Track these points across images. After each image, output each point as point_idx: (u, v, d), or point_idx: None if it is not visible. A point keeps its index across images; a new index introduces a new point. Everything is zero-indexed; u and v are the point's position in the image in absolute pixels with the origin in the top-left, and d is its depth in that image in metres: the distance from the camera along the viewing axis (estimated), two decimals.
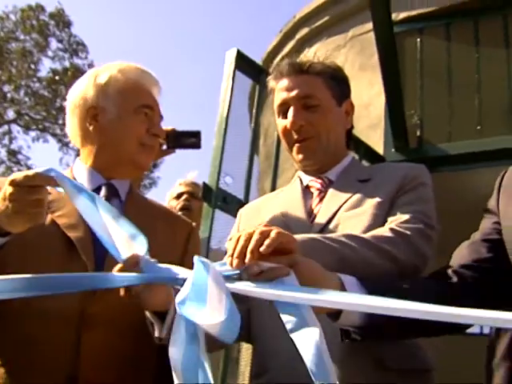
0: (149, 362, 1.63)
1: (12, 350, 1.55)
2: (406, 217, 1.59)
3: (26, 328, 1.55)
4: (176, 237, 1.78)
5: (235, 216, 2.86)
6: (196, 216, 2.97)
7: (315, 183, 1.81)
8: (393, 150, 4.20)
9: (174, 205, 3.20)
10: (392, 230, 1.54)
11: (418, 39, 4.44)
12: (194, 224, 1.92)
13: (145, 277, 1.30)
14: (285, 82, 1.79)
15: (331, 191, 1.75)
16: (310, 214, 1.74)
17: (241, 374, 3.92)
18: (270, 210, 1.81)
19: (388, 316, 1.04)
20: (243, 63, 3.10)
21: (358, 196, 1.69)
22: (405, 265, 1.50)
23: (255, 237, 1.20)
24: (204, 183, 2.81)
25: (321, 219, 1.69)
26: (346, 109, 1.83)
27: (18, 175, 1.34)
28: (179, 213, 2.98)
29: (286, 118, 1.79)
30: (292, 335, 1.13)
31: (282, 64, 1.83)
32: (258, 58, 5.14)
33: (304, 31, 5.40)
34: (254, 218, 1.84)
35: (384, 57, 3.46)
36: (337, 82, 1.81)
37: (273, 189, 3.11)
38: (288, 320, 1.14)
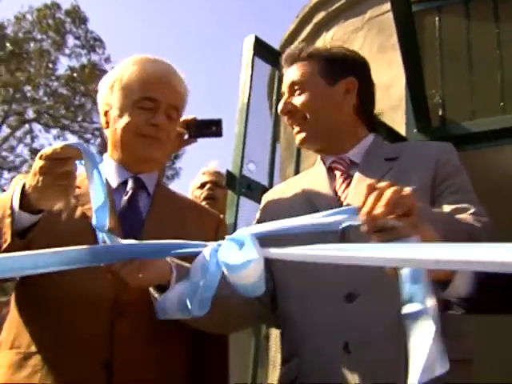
0: (182, 347, 1.65)
1: (47, 338, 1.58)
2: (470, 209, 1.59)
3: (60, 315, 1.58)
4: (205, 228, 1.80)
5: (260, 202, 2.88)
6: (221, 204, 2.97)
7: (337, 165, 1.80)
8: (415, 130, 4.15)
9: (197, 194, 3.19)
10: (474, 219, 1.55)
11: (437, 18, 4.38)
12: (221, 216, 1.96)
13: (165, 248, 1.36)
14: (285, 71, 1.88)
15: (358, 174, 1.74)
16: (336, 196, 1.73)
17: (271, 361, 3.93)
18: (295, 193, 1.81)
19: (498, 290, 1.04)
20: (261, 49, 3.08)
21: (388, 178, 1.65)
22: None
23: (389, 193, 1.21)
24: (227, 171, 2.81)
25: (350, 203, 1.66)
26: (346, 87, 1.82)
27: (46, 149, 1.38)
28: (203, 202, 2.99)
29: None
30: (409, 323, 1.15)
31: (282, 58, 1.91)
32: (275, 44, 5.11)
33: (321, 15, 5.36)
34: (279, 201, 1.84)
35: (403, 37, 3.42)
36: (332, 63, 1.82)
37: (296, 174, 3.10)
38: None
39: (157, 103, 1.77)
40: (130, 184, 1.77)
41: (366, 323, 1.53)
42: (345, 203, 1.68)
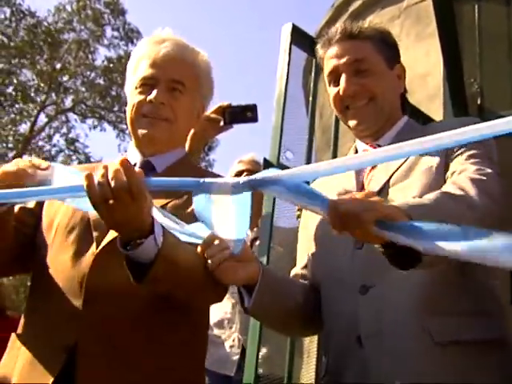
0: (148, 334, 1.60)
1: (27, 322, 1.67)
2: (473, 166, 1.56)
3: (40, 301, 1.65)
4: None
5: None
6: (257, 193, 2.97)
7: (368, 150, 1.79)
8: None
9: None
10: (469, 178, 1.51)
11: (476, 5, 4.31)
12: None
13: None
14: (334, 49, 1.79)
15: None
16: (362, 183, 1.73)
17: (305, 351, 3.94)
18: (325, 181, 1.80)
19: None
20: (299, 37, 3.07)
21: (407, 163, 1.65)
22: (484, 212, 1.45)
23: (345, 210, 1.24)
24: (265, 159, 2.81)
25: (372, 189, 1.67)
26: (398, 73, 1.82)
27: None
28: None
29: (337, 85, 1.78)
30: None
31: (331, 31, 1.83)
32: (311, 32, 5.09)
33: (357, 4, 5.33)
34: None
35: (442, 24, 3.37)
36: (387, 45, 1.81)
37: None
38: None
39: (155, 80, 1.74)
40: (136, 166, 1.72)
41: (377, 315, 1.54)
42: (366, 190, 1.67)
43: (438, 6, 3.24)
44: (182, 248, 1.47)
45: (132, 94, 1.79)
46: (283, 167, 2.83)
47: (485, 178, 1.50)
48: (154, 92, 1.73)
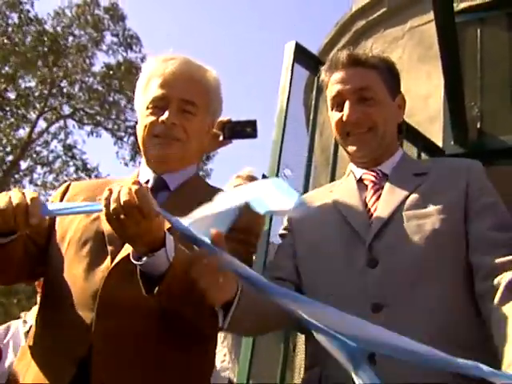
0: (158, 350, 1.60)
1: (38, 334, 1.67)
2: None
3: (52, 313, 1.65)
4: None
5: None
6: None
7: (369, 176, 1.80)
8: (452, 142, 4.12)
9: None
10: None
11: (479, 29, 4.34)
12: None
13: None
14: (339, 74, 1.79)
15: (388, 186, 1.74)
16: (366, 208, 1.74)
17: (297, 366, 3.93)
18: (326, 203, 1.80)
19: None
20: (301, 55, 3.08)
21: (417, 194, 1.67)
22: None
23: None
24: (264, 175, 2.82)
25: (380, 216, 1.68)
26: (399, 103, 1.84)
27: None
28: None
29: (340, 110, 1.79)
30: None
31: (337, 56, 1.82)
32: (314, 50, 5.11)
33: (360, 23, 5.35)
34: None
35: (445, 47, 3.39)
36: (391, 75, 1.83)
37: (331, 180, 3.09)
38: None
39: (166, 100, 1.75)
40: (150, 183, 1.77)
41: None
42: (374, 215, 1.68)
43: (440, 29, 3.26)
44: None
45: (143, 115, 1.80)
46: None
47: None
48: (166, 113, 1.74)
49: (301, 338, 3.61)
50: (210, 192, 1.77)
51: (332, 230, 1.71)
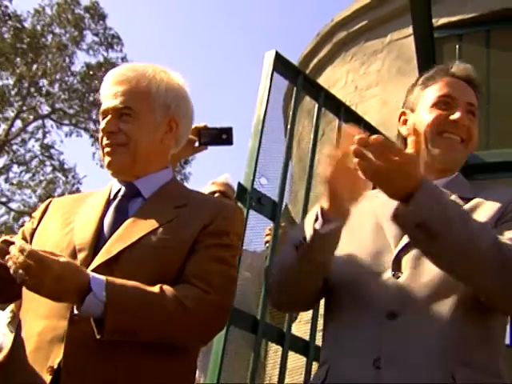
0: (132, 358, 1.59)
1: (18, 341, 1.66)
2: None
3: (30, 320, 1.65)
4: (201, 216, 1.72)
5: (270, 217, 2.89)
6: None
7: None
8: None
9: None
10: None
11: (457, 45, 4.39)
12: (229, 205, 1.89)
13: None
14: (457, 83, 1.81)
15: None
16: None
17: (267, 376, 3.92)
18: (367, 207, 1.77)
19: None
20: (281, 65, 3.09)
21: (469, 205, 1.68)
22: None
23: None
24: (239, 183, 2.81)
25: None
26: None
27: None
28: None
29: (444, 109, 1.78)
30: None
31: (464, 66, 1.86)
32: (294, 60, 5.13)
33: (341, 35, 5.38)
34: None
35: (423, 62, 3.43)
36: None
37: (307, 191, 3.10)
38: None
39: (105, 112, 1.77)
40: (121, 191, 1.77)
41: (403, 342, 1.55)
42: None
43: (419, 44, 3.30)
44: (137, 294, 1.53)
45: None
46: (257, 193, 2.84)
47: None
48: (103, 123, 1.76)
49: (272, 348, 3.61)
50: (188, 196, 1.81)
51: (367, 233, 1.72)
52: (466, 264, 1.48)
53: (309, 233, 1.57)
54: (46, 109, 18.52)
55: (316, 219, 1.56)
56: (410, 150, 1.57)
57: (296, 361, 3.31)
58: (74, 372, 1.51)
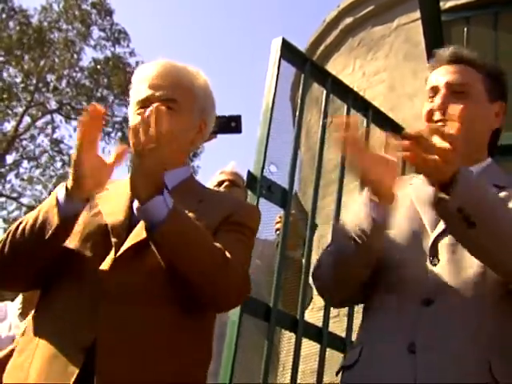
0: (166, 337, 1.63)
1: (44, 324, 1.67)
2: None
3: (56, 302, 1.66)
4: (219, 211, 1.79)
5: (280, 205, 2.89)
6: None
7: None
8: None
9: None
10: None
11: (465, 28, 4.35)
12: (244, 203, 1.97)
13: None
14: (441, 69, 1.80)
15: None
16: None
17: (281, 364, 3.93)
18: (403, 195, 1.75)
19: None
20: (288, 52, 3.08)
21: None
22: None
23: None
24: (249, 171, 2.81)
25: None
26: (498, 110, 1.82)
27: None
28: None
29: (431, 103, 1.78)
30: None
31: (441, 53, 1.85)
32: (301, 47, 5.11)
33: (348, 21, 5.36)
34: None
35: (430, 46, 3.41)
36: (494, 79, 1.82)
37: (317, 179, 3.09)
38: None
39: (149, 101, 1.79)
40: None
41: (437, 328, 1.55)
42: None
43: (426, 28, 3.27)
44: (199, 228, 1.63)
45: (132, 118, 1.86)
46: (267, 181, 2.84)
47: None
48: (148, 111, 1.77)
49: (285, 335, 3.62)
50: (207, 193, 1.92)
51: (404, 219, 1.72)
52: (502, 252, 1.48)
53: (366, 223, 1.58)
54: (54, 104, 18.56)
55: (367, 209, 1.58)
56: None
57: (310, 348, 3.31)
58: (108, 352, 1.54)
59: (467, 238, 1.51)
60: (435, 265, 1.62)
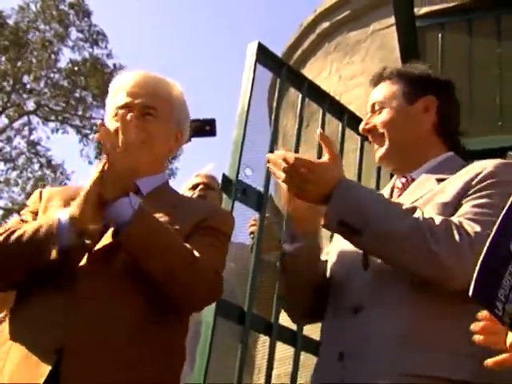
0: (134, 339, 1.65)
1: (17, 325, 1.70)
2: (473, 216, 1.56)
3: (30, 303, 1.68)
4: (192, 218, 1.82)
5: (255, 208, 2.90)
6: None
7: (398, 182, 1.83)
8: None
9: (189, 195, 3.22)
10: (458, 222, 1.53)
11: (440, 34, 4.40)
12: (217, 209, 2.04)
13: None
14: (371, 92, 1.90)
15: (408, 190, 1.77)
16: None
17: (257, 367, 3.94)
18: None
19: None
20: (264, 56, 3.09)
21: (429, 195, 1.67)
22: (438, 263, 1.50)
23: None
24: (224, 175, 2.82)
25: None
26: (425, 105, 1.83)
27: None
28: None
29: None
30: None
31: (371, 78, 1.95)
32: (276, 51, 5.12)
33: (324, 25, 5.38)
34: None
35: (405, 51, 3.44)
36: (411, 81, 1.85)
37: None
38: None
39: (127, 108, 1.84)
40: None
41: (362, 335, 1.59)
42: None
43: (401, 34, 3.31)
44: (167, 229, 1.67)
45: (109, 125, 1.86)
46: (242, 184, 2.85)
47: (472, 235, 1.51)
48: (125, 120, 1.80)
49: (260, 339, 3.62)
50: (182, 199, 1.98)
51: None
52: (393, 255, 1.53)
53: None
54: (31, 105, 18.40)
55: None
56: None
57: (284, 351, 3.32)
58: (76, 354, 1.56)
59: (359, 246, 1.58)
60: (366, 274, 1.66)
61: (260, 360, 3.81)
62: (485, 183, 1.61)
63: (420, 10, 4.37)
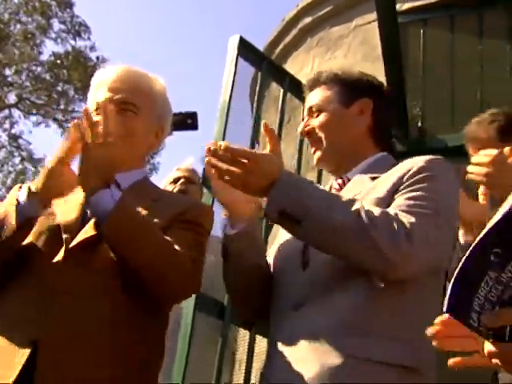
0: (112, 334, 1.65)
1: None
2: (407, 208, 1.57)
3: (9, 295, 1.67)
4: (172, 210, 1.82)
5: None
6: None
7: (335, 183, 1.85)
8: (393, 140, 4.18)
9: (170, 189, 3.21)
10: (393, 214, 1.54)
11: (422, 30, 4.42)
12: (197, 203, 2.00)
13: None
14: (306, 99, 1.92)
15: (344, 189, 1.78)
16: None
17: (237, 361, 3.95)
18: None
19: None
20: (246, 50, 3.09)
21: (364, 192, 1.69)
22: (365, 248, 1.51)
23: None
24: (204, 169, 2.81)
25: None
26: (360, 108, 1.85)
27: None
28: None
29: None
30: None
31: (305, 83, 1.95)
32: (259, 46, 5.11)
33: (307, 20, 5.37)
34: None
35: (387, 47, 3.45)
36: (346, 85, 1.86)
37: None
38: None
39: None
40: None
41: (301, 331, 1.60)
42: None
43: (383, 29, 3.31)
44: (147, 221, 1.68)
45: None
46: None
47: (408, 225, 1.52)
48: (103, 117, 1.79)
49: (241, 333, 3.63)
50: (161, 193, 1.98)
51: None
52: (331, 241, 1.53)
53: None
54: (12, 98, 18.25)
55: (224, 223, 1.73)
56: None
57: (265, 345, 3.33)
58: (51, 347, 1.55)
59: (299, 236, 1.59)
60: (306, 270, 1.67)
61: (241, 354, 3.82)
62: (416, 177, 1.64)
63: (402, 6, 4.39)
